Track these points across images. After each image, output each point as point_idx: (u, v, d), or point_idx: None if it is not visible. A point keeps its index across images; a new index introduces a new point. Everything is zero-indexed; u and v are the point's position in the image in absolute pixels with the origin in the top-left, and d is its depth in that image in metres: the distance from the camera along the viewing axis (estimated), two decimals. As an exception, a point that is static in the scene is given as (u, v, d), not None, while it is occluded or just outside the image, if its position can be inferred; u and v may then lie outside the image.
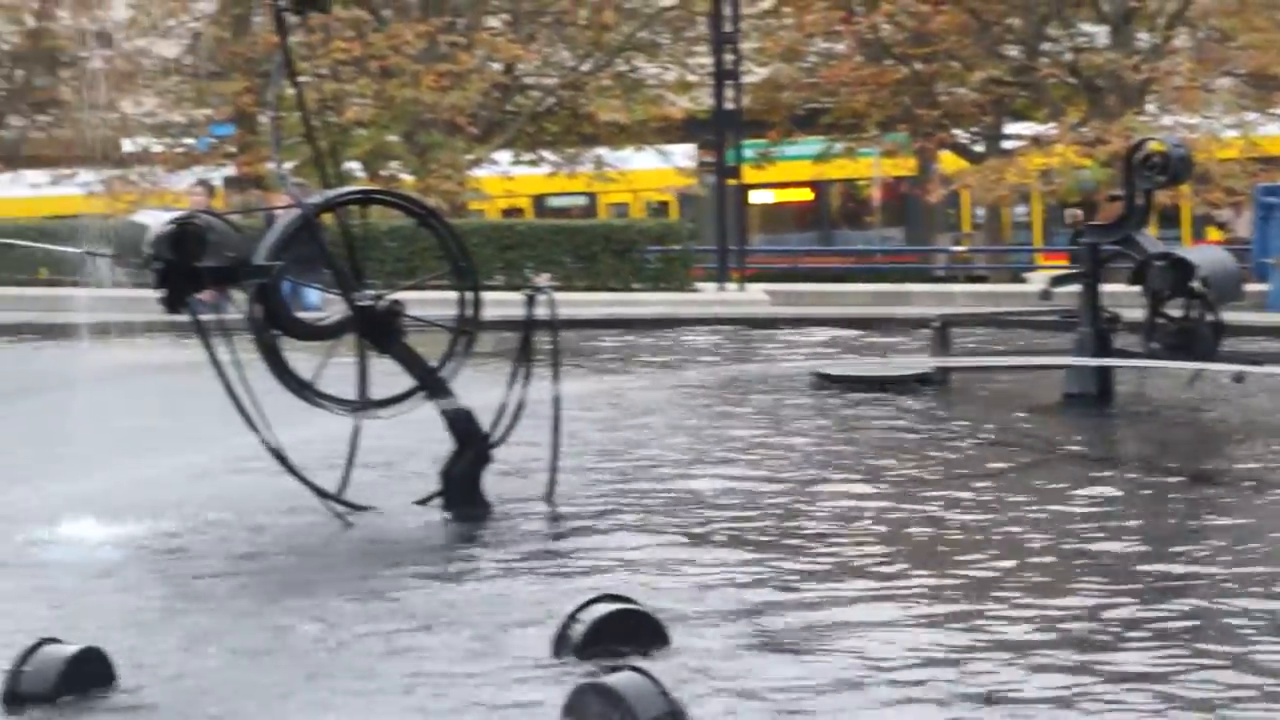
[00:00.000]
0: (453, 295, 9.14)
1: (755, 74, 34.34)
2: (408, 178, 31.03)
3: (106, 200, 31.27)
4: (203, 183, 26.69)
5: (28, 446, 10.99)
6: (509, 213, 36.78)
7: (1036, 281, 23.49)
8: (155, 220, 8.39)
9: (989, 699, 5.72)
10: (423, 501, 8.85)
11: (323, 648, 6.45)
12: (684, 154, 37.18)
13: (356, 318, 8.72)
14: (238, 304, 8.67)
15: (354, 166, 29.76)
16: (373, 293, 8.78)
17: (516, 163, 35.23)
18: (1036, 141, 33.78)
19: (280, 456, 8.56)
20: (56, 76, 35.60)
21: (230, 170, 33.30)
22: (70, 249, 9.92)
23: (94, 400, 12.29)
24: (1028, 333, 16.69)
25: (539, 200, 39.03)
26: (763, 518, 8.78)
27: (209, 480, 9.58)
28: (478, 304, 9.02)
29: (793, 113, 35.55)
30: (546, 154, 35.12)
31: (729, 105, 26.35)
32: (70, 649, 5.97)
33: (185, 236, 8.23)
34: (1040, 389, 13.58)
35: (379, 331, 8.72)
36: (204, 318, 8.51)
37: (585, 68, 34.25)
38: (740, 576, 7.46)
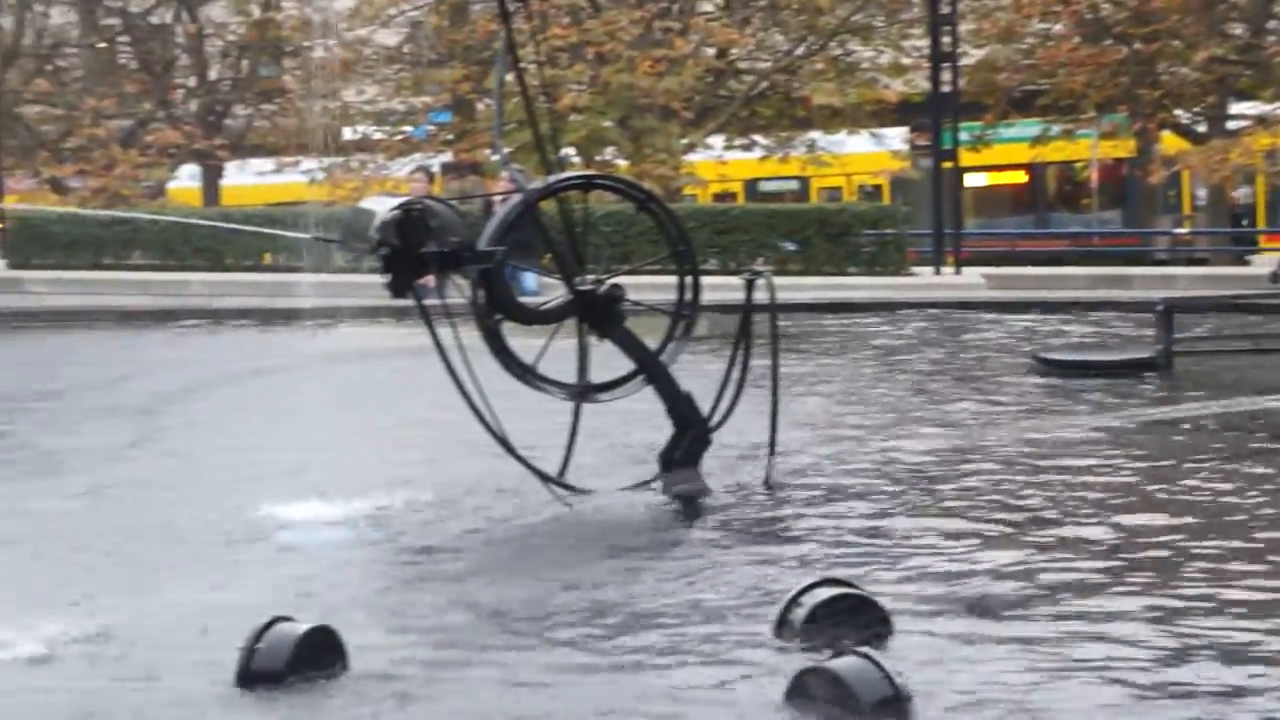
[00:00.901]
0: (671, 279, 9.17)
1: (971, 56, 33.96)
2: (622, 163, 31.17)
3: (328, 187, 31.85)
4: (422, 169, 27.08)
5: (255, 428, 11.25)
6: (721, 197, 36.80)
7: (1262, 265, 22.96)
8: (382, 206, 8.51)
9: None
10: (642, 485, 8.89)
11: (547, 631, 6.50)
12: (897, 137, 36.91)
13: (577, 302, 8.78)
14: (459, 289, 8.77)
15: (569, 152, 29.96)
16: (593, 277, 8.84)
17: (729, 147, 35.23)
18: (1262, 121, 32.99)
19: (502, 439, 8.65)
20: (281, 66, 36.34)
21: (447, 157, 33.71)
22: (298, 235, 10.11)
23: (318, 383, 12.55)
24: (1257, 318, 16.31)
25: (751, 184, 38.98)
26: (991, 502, 8.69)
27: (432, 462, 9.72)
28: (697, 288, 9.03)
29: (1009, 95, 35.10)
30: (759, 138, 35.07)
31: (945, 88, 26.09)
32: (301, 628, 6.08)
33: (411, 222, 8.34)
34: (1273, 374, 13.27)
35: (599, 316, 8.77)
36: (428, 302, 8.62)
37: (799, 51, 34.13)
38: (967, 560, 7.39)
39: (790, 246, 24.07)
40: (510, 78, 9.20)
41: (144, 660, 6.25)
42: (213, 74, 36.23)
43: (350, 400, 11.83)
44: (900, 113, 34.73)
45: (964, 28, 31.07)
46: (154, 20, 36.27)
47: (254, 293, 20.62)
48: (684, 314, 9.03)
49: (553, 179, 9.01)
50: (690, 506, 8.67)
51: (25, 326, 18.25)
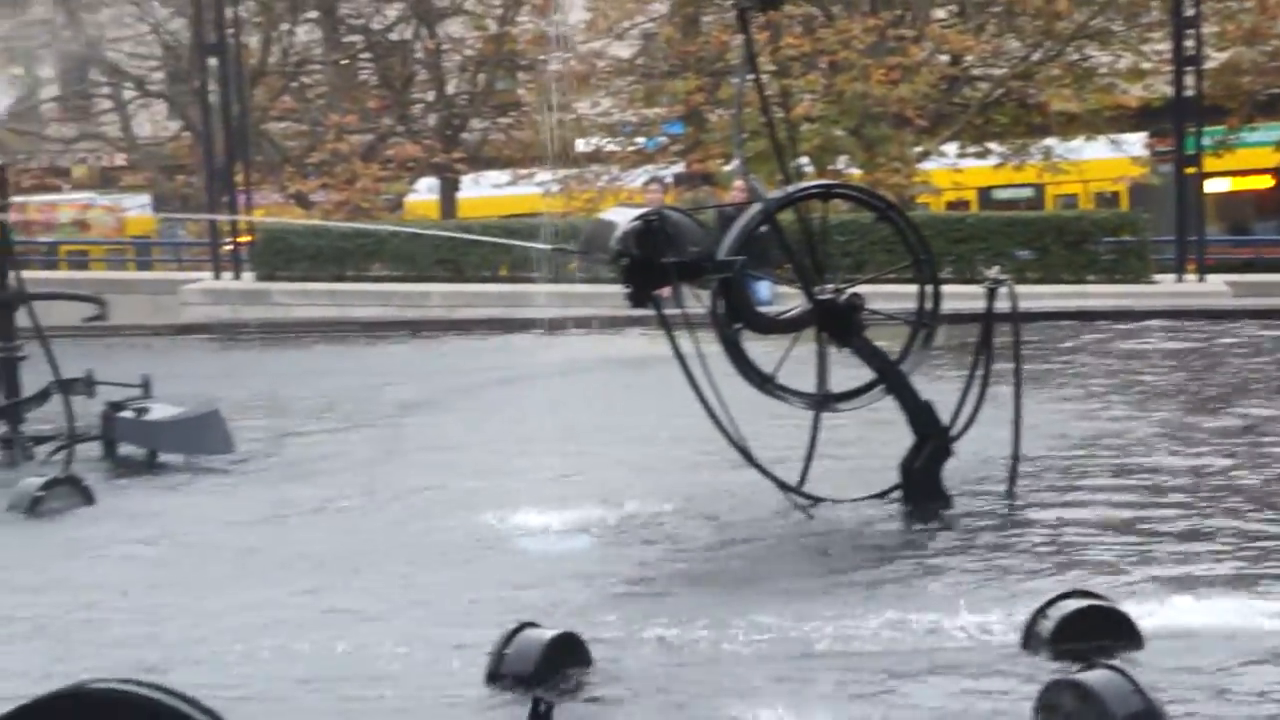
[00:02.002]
0: (908, 288, 9.12)
1: (1214, 59, 33.24)
2: (855, 171, 31.04)
3: (563, 199, 32.16)
4: (656, 180, 27.23)
5: (492, 437, 11.40)
6: (955, 205, 36.46)
7: None
8: (622, 217, 8.59)
9: None
10: (882, 494, 8.85)
11: (786, 639, 6.50)
12: (1137, 143, 36.24)
13: (817, 311, 8.78)
14: (697, 298, 8.82)
15: (802, 161, 29.92)
16: (832, 286, 8.83)
17: (963, 155, 34.89)
18: None
19: (742, 448, 8.68)
20: (516, 80, 36.80)
21: (680, 168, 33.85)
22: (539, 246, 10.25)
23: (559, 392, 12.69)
24: None
25: (985, 192, 38.56)
26: (1245, 512, 8.49)
27: (671, 471, 9.78)
28: (937, 297, 8.98)
29: (1253, 98, 34.29)
30: (994, 145, 34.66)
31: (1188, 92, 25.56)
32: (549, 633, 6.17)
33: (651, 232, 8.40)
34: None
35: (839, 325, 8.76)
36: (667, 312, 8.67)
37: (1035, 57, 33.69)
38: (1214, 572, 7.24)
39: (1025, 255, 23.77)
40: (747, 87, 9.22)
41: (394, 663, 6.39)
42: (450, 88, 36.82)
43: (590, 409, 11.94)
44: (1139, 118, 34.11)
45: (1207, 30, 30.42)
46: (394, 37, 36.96)
47: (493, 303, 20.91)
48: (924, 323, 8.98)
49: (791, 188, 9.02)
50: (931, 517, 8.61)
51: (274, 337, 18.72)
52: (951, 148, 34.28)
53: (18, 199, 33.92)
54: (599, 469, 9.84)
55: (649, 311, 8.68)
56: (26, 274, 11.16)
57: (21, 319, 11.14)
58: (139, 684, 3.08)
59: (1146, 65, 33.62)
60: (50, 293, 13.28)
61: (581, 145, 33.70)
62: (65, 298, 12.67)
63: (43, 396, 10.81)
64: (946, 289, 9.08)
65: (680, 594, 7.33)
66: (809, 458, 8.88)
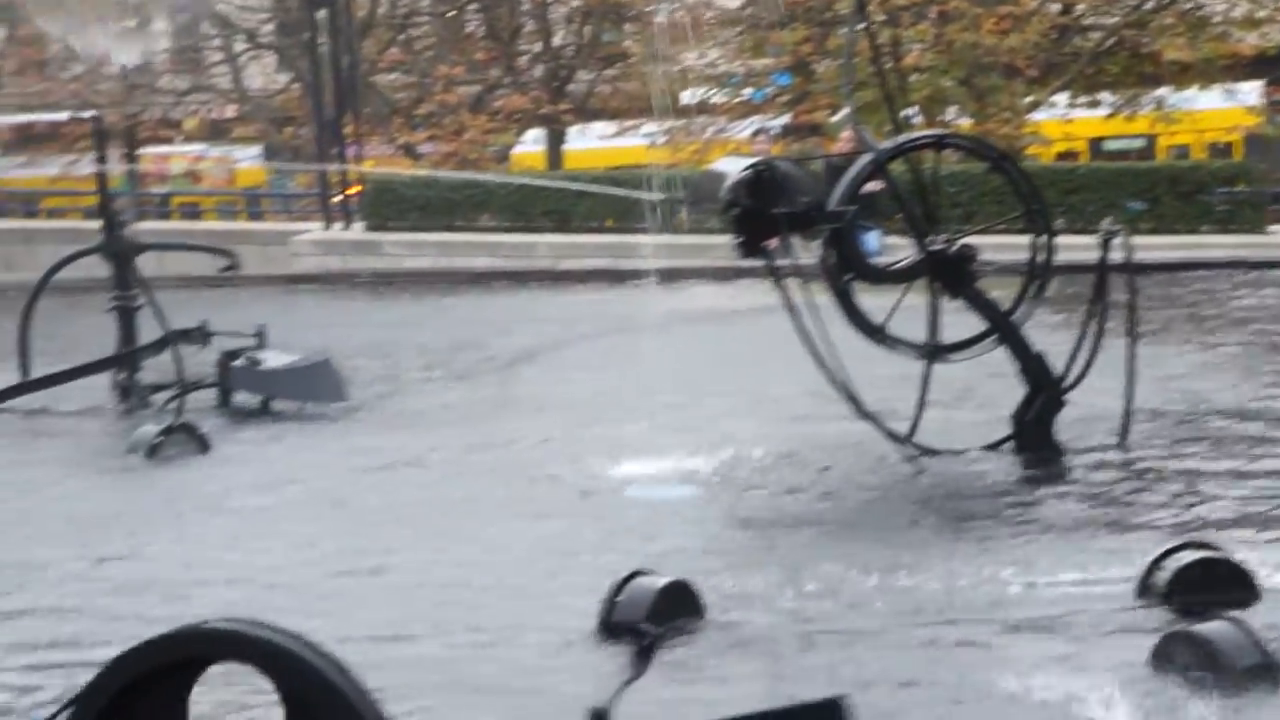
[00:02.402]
0: (1021, 239, 9.05)
1: (1333, 5, 32.66)
2: (965, 122, 30.77)
3: (669, 150, 32.10)
4: (763, 131, 27.13)
5: (600, 387, 11.43)
6: (1065, 156, 36.07)
7: None
8: (733, 167, 8.57)
9: None
10: (994, 445, 8.81)
11: (895, 590, 6.49)
12: (1252, 92, 35.69)
13: (929, 262, 8.73)
14: (806, 249, 8.79)
15: (910, 112, 29.69)
16: (944, 237, 8.78)
17: (1074, 105, 34.49)
18: None
19: (852, 398, 8.66)
20: (623, 31, 36.72)
21: (787, 119, 33.69)
22: (649, 196, 10.24)
23: (667, 342, 12.70)
24: None
25: (1095, 143, 38.13)
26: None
27: (781, 421, 9.77)
28: (1050, 248, 8.91)
29: (1374, 45, 33.66)
30: (1105, 96, 34.23)
31: (1305, 39, 25.12)
32: (660, 581, 6.19)
33: (762, 182, 8.38)
34: None
35: (951, 275, 8.71)
36: (777, 263, 8.65)
37: (1148, 5, 33.22)
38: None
39: (1138, 206, 23.51)
40: (856, 37, 9.17)
41: (505, 612, 6.43)
42: (557, 40, 36.81)
43: (698, 360, 11.94)
44: (1254, 67, 33.57)
45: (1324, -24, 29.89)
46: (501, -12, 36.98)
47: (600, 254, 20.93)
48: (1037, 274, 8.91)
49: (903, 138, 8.96)
50: (1043, 468, 8.56)
51: (384, 287, 18.84)
52: (1062, 98, 33.89)
53: (139, 150, 34.31)
54: (708, 419, 9.85)
55: (758, 262, 8.67)
56: (143, 226, 11.30)
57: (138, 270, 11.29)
58: (257, 624, 3.11)
59: (1262, 13, 33.06)
60: (183, 244, 13.46)
61: (688, 97, 33.59)
62: (198, 250, 12.83)
63: (159, 345, 10.95)
64: (1059, 240, 9.00)
65: (790, 544, 7.33)
66: (919, 408, 8.84)
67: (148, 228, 12.16)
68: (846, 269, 8.67)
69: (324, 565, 7.10)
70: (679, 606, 6.16)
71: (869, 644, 5.85)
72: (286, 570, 7.05)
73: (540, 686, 5.59)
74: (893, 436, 8.72)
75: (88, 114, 12.73)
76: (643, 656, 3.09)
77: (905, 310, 8.83)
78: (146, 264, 11.46)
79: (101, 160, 12.12)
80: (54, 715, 3.12)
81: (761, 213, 8.39)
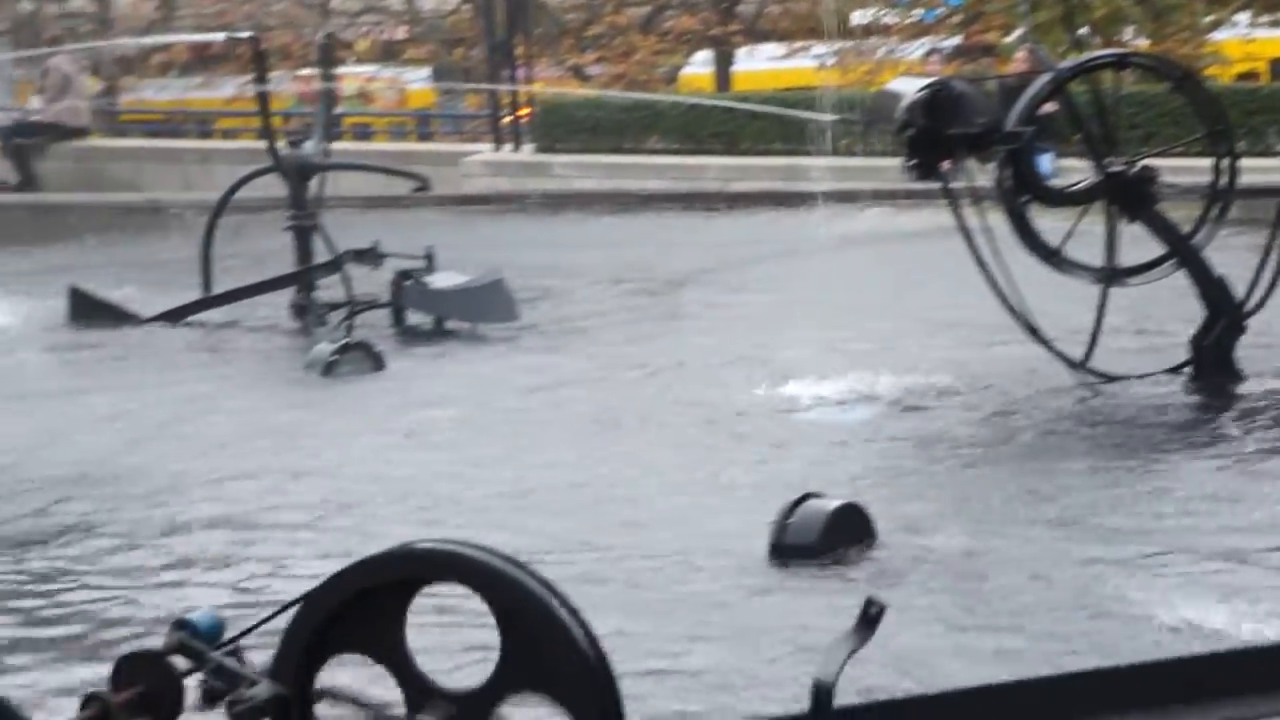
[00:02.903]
0: (1201, 162, 8.88)
1: None
2: (1142, 42, 30.16)
3: (839, 72, 31.81)
4: (935, 51, 26.81)
5: (775, 310, 11.40)
6: (1244, 77, 35.27)
7: None
8: (908, 87, 8.48)
9: None
10: (1173, 370, 8.67)
11: (1074, 518, 6.43)
12: None
13: (1107, 184, 8.59)
14: (979, 171, 8.69)
15: (1084, 32, 29.17)
16: (1123, 159, 8.63)
17: (1255, 24, 33.67)
18: None
19: (1028, 324, 8.57)
20: (795, -50, 36.38)
21: (959, 40, 33.25)
22: (821, 117, 10.17)
23: (837, 266, 12.63)
24: None
25: (1276, 63, 37.23)
26: None
27: (954, 346, 9.69)
28: (1233, 170, 8.73)
29: None
30: (1289, 14, 33.38)
31: None
32: (832, 504, 6.18)
33: (939, 103, 8.28)
34: None
35: (1130, 198, 8.57)
36: (952, 185, 8.56)
37: (1336, -80, 32.28)
38: None
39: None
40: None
41: (675, 534, 6.47)
42: (726, -40, 36.59)
43: (869, 283, 11.88)
44: None
45: None
46: (671, -93, 36.79)
47: (769, 177, 20.83)
48: (1219, 197, 8.73)
49: (1084, 57, 8.81)
50: (1222, 394, 8.42)
51: (554, 208, 18.91)
52: (1243, 17, 33.09)
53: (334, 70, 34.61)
54: (879, 342, 9.79)
55: (932, 185, 8.58)
56: (330, 147, 11.45)
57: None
58: (467, 545, 3.14)
59: None
60: (372, 165, 13.60)
61: (858, 17, 33.26)
62: (388, 172, 12.97)
63: (333, 265, 11.09)
64: (1241, 162, 8.82)
65: (963, 468, 7.29)
66: (1095, 333, 8.72)
67: (335, 149, 12.23)
68: (1022, 191, 8.56)
69: (494, 483, 7.17)
70: (851, 530, 6.15)
71: (1041, 572, 5.80)
72: (459, 487, 7.13)
73: (717, 608, 5.62)
74: (1068, 362, 8.62)
75: (245, 34, 12.86)
76: (867, 625, 3.07)
77: (1082, 234, 8.70)
78: (323, 184, 11.59)
79: (261, 81, 12.28)
80: (256, 625, 3.18)
81: (937, 134, 8.29)
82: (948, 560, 5.98)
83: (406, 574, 3.13)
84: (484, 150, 25.25)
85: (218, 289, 11.62)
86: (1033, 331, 8.58)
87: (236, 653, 3.19)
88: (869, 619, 3.06)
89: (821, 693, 2.95)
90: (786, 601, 5.66)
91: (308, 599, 3.15)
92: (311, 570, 5.35)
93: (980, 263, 8.38)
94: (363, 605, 3.14)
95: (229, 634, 3.21)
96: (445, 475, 7.32)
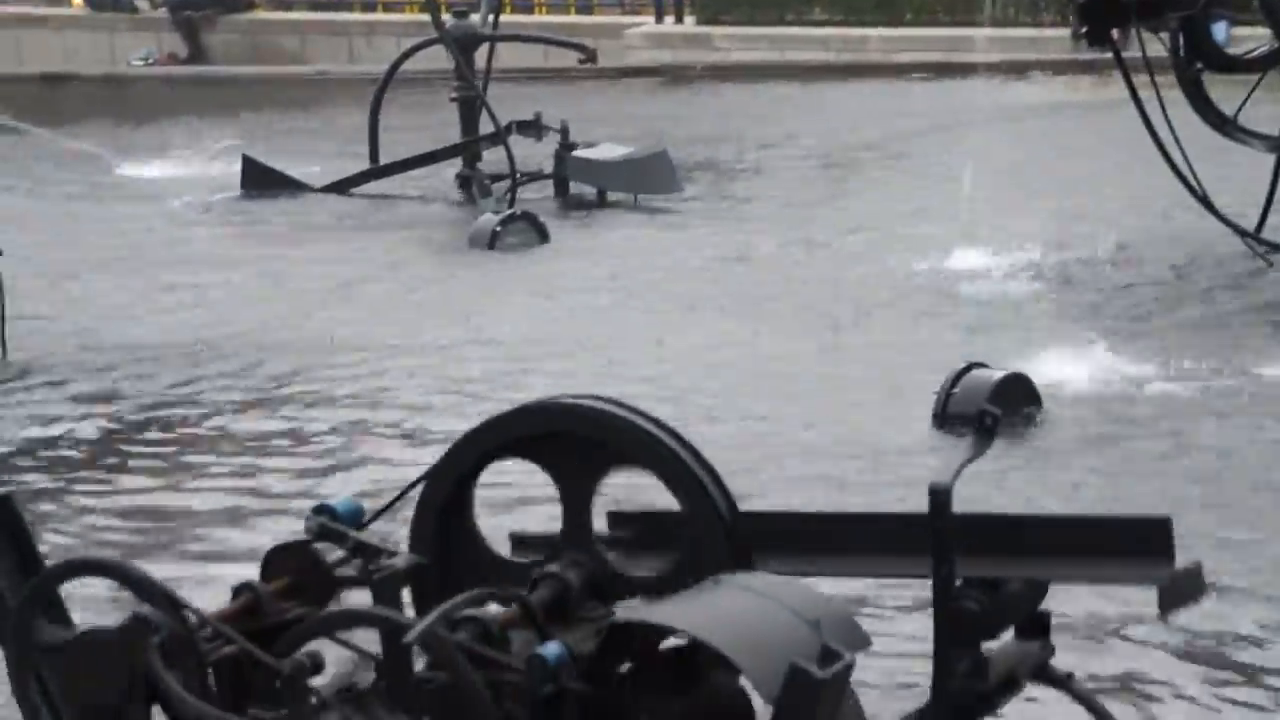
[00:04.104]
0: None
1: None
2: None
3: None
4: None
5: (933, 181, 11.28)
6: None
7: None
8: (1079, -46, 8.32)
9: None
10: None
11: (1245, 389, 6.36)
12: None
13: (1285, 51, 8.40)
14: (1152, 39, 8.52)
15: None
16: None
17: None
18: None
19: (1199, 193, 8.43)
20: None
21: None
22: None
23: (998, 136, 12.48)
24: None
25: None
26: None
27: (1121, 215, 9.56)
28: None
29: None
30: None
31: None
32: (998, 373, 6.18)
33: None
34: None
35: (1308, 66, 8.37)
36: (1124, 53, 8.41)
37: None
38: None
39: None
40: None
41: (840, 403, 6.51)
42: None
43: (1036, 155, 11.71)
44: None
45: None
46: None
47: (933, 48, 20.57)
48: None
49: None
50: None
51: (715, 81, 18.82)
52: None
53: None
54: (1045, 213, 9.68)
55: (1104, 53, 8.43)
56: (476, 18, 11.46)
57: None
58: (614, 402, 3.18)
59: None
60: (540, 36, 13.62)
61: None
62: (555, 43, 12.98)
63: (497, 136, 11.15)
64: None
65: (1131, 338, 7.23)
66: (1268, 203, 8.56)
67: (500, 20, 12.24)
68: (1196, 59, 8.38)
69: (653, 353, 7.22)
70: (1017, 399, 6.14)
71: (1214, 444, 5.77)
72: (618, 358, 7.17)
73: (881, 473, 5.67)
74: (1240, 232, 8.48)
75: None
76: (984, 436, 3.11)
77: (1256, 102, 8.53)
78: (489, 56, 11.63)
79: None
80: (415, 482, 3.25)
81: (1109, 1, 8.14)
82: (1110, 434, 5.97)
83: (528, 430, 3.17)
84: (646, 23, 25.17)
85: (385, 160, 11.74)
86: (1205, 202, 8.44)
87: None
88: (986, 429, 3.10)
89: (939, 497, 2.99)
90: (951, 460, 5.67)
91: (435, 469, 3.21)
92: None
93: (1152, 132, 8.24)
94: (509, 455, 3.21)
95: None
96: (605, 346, 7.38)
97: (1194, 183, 8.40)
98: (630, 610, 2.98)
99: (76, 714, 2.90)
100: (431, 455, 3.38)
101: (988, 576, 3.09)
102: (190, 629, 2.83)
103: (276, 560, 3.18)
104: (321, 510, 3.21)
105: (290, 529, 3.75)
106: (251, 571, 3.16)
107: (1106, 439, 5.98)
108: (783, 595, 2.80)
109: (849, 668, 2.67)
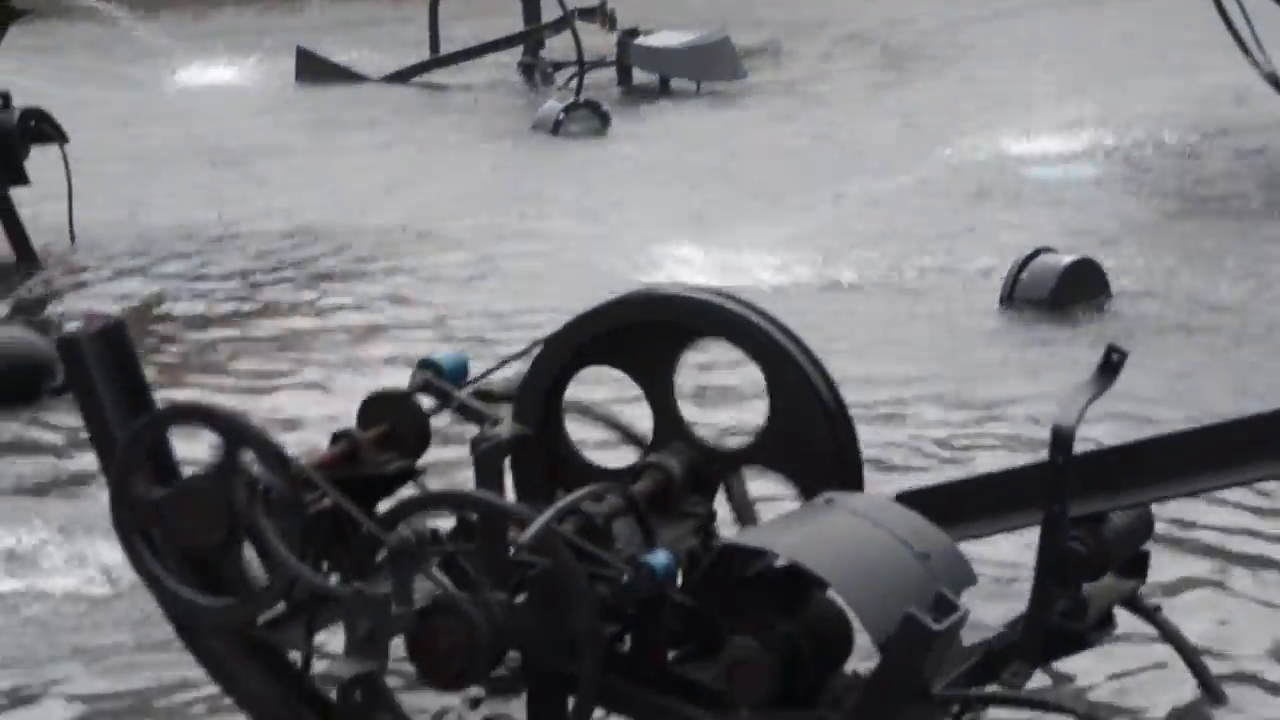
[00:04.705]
0: None
1: None
2: None
3: None
4: None
5: (1001, 69, 11.20)
6: None
7: None
8: None
9: None
10: None
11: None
12: None
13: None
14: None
15: None
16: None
17: None
18: None
19: (1270, 77, 8.37)
20: None
21: None
22: None
23: (1071, 23, 12.35)
24: None
25: None
26: None
27: (1193, 100, 9.47)
28: None
29: None
30: None
31: None
32: (1065, 259, 6.19)
33: None
34: None
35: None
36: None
37: None
38: None
39: None
40: None
41: (911, 281, 6.54)
42: None
43: (1105, 41, 11.60)
44: None
45: None
46: None
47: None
48: None
49: None
50: None
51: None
52: None
53: None
54: (1120, 99, 9.59)
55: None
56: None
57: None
58: (706, 290, 3.18)
59: None
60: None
61: None
62: None
63: (560, 24, 11.12)
64: None
65: (1200, 227, 7.20)
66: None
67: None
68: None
69: (716, 233, 7.21)
70: (1084, 284, 6.15)
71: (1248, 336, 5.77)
72: (681, 239, 7.16)
73: (953, 350, 5.70)
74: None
75: None
76: (1108, 373, 3.08)
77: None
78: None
79: None
80: (524, 350, 3.24)
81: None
82: (1183, 322, 5.96)
83: (640, 318, 3.14)
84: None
85: (446, 50, 11.72)
86: (1273, 81, 8.37)
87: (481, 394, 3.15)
88: (1111, 365, 3.08)
89: (1062, 437, 3.00)
90: (1017, 351, 5.72)
91: (549, 341, 3.17)
92: (540, 319, 5.51)
93: (1225, 19, 8.17)
94: (600, 347, 3.16)
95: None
96: (668, 229, 7.36)
97: (1265, 66, 8.32)
98: (743, 534, 2.95)
99: (177, 558, 2.90)
100: (521, 330, 3.35)
101: (1096, 512, 3.08)
102: (292, 481, 2.80)
103: (374, 408, 3.12)
104: (427, 365, 3.15)
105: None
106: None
107: (1173, 325, 5.98)
108: (894, 525, 2.78)
109: (963, 619, 2.64)
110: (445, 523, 3.00)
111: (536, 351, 3.19)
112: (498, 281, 6.77)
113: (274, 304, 6.65)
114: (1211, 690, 3.35)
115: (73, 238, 7.32)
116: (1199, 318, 5.95)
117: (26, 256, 7.14)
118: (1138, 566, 3.23)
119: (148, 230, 7.71)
